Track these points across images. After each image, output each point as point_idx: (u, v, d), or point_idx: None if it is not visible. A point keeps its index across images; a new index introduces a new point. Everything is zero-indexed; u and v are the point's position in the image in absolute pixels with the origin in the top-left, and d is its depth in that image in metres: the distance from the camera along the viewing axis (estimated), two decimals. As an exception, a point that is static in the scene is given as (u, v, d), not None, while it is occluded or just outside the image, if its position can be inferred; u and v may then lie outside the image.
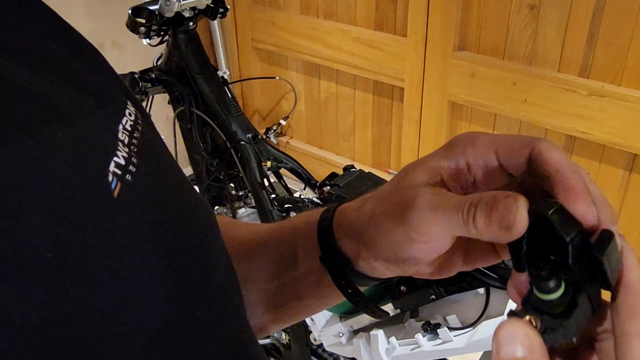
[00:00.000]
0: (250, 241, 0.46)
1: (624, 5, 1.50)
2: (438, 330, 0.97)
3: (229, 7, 1.51)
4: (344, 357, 1.21)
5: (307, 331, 1.25)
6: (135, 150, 0.28)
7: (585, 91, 1.61)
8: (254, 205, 1.45)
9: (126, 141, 0.28)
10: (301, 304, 0.44)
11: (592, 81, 1.61)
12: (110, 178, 0.25)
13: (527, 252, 0.30)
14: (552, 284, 0.28)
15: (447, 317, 0.99)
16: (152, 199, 0.28)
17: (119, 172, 0.25)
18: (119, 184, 0.25)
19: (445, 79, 1.88)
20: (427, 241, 0.34)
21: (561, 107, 1.66)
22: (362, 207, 0.38)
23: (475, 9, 1.76)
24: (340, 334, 1.10)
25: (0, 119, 0.22)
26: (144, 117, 0.33)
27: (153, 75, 1.59)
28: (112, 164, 0.25)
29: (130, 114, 0.31)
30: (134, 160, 0.27)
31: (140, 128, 0.31)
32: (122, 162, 0.26)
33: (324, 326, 1.13)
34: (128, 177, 0.26)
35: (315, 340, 1.16)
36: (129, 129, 0.29)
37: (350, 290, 0.41)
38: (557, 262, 0.28)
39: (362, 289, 0.42)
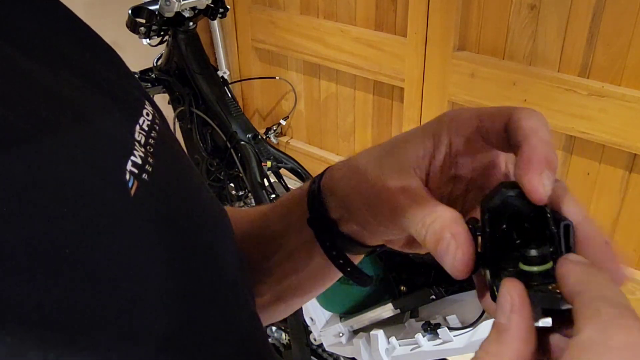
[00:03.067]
0: (255, 219, 0.46)
1: (624, 5, 1.50)
2: (438, 330, 0.98)
3: (229, 7, 1.51)
4: (344, 357, 1.21)
5: (307, 331, 1.25)
6: (152, 150, 0.28)
7: (585, 91, 1.61)
8: (254, 205, 1.45)
9: (143, 141, 0.28)
10: (299, 279, 0.44)
11: (592, 81, 1.61)
12: (127, 177, 0.25)
13: (492, 242, 0.28)
14: (538, 255, 0.27)
15: (447, 317, 0.99)
16: (168, 198, 0.28)
17: (136, 171, 0.25)
18: (135, 183, 0.25)
19: (445, 79, 1.88)
20: (390, 228, 0.34)
21: (561, 107, 1.66)
22: (348, 165, 0.39)
23: (475, 9, 1.76)
24: (340, 334, 1.10)
25: (19, 116, 0.22)
26: (160, 117, 0.33)
27: (153, 75, 1.59)
28: (130, 163, 0.25)
29: (147, 114, 0.31)
30: (150, 159, 0.27)
31: (157, 128, 0.31)
32: (139, 161, 0.26)
33: (324, 326, 1.13)
34: (145, 176, 0.26)
35: (315, 340, 1.16)
36: (146, 129, 0.29)
37: (334, 253, 0.40)
38: (527, 238, 0.28)
39: (354, 259, 0.42)
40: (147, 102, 0.32)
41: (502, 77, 1.75)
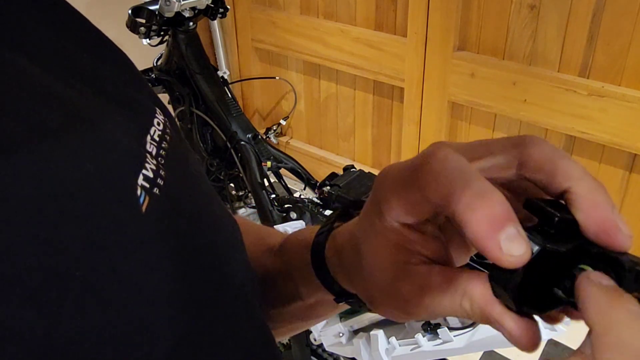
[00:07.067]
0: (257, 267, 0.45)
1: (624, 5, 1.50)
2: (438, 330, 0.98)
3: (229, 7, 1.52)
4: (344, 357, 1.21)
5: (307, 331, 1.25)
6: (163, 162, 0.27)
7: (585, 91, 1.61)
8: (254, 205, 1.45)
9: (154, 153, 0.27)
10: (308, 323, 0.44)
11: (592, 81, 1.61)
12: (139, 192, 0.24)
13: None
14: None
15: (447, 317, 0.99)
16: (179, 213, 0.27)
17: (147, 186, 0.24)
18: (147, 198, 0.24)
19: (445, 79, 1.88)
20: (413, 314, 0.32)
21: (561, 107, 1.66)
22: (344, 253, 0.35)
23: (475, 9, 1.76)
24: (340, 334, 1.10)
25: (22, 125, 0.21)
26: (172, 125, 0.32)
27: (153, 75, 1.59)
28: (141, 177, 0.24)
29: (158, 124, 0.29)
30: (161, 172, 0.26)
31: (168, 138, 0.29)
32: (151, 174, 0.25)
33: (324, 326, 1.13)
34: (156, 190, 0.25)
35: (315, 340, 1.16)
36: (157, 139, 0.28)
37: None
38: None
39: None
40: (158, 110, 0.31)
41: (502, 77, 1.75)
